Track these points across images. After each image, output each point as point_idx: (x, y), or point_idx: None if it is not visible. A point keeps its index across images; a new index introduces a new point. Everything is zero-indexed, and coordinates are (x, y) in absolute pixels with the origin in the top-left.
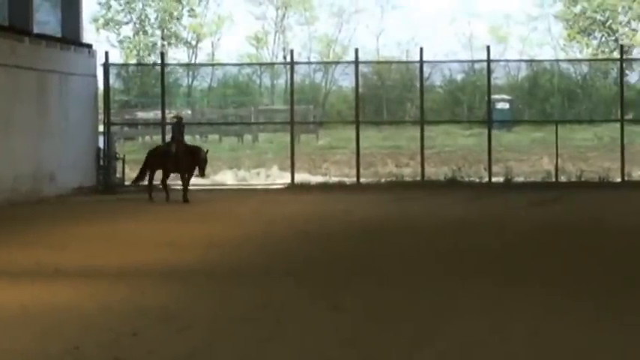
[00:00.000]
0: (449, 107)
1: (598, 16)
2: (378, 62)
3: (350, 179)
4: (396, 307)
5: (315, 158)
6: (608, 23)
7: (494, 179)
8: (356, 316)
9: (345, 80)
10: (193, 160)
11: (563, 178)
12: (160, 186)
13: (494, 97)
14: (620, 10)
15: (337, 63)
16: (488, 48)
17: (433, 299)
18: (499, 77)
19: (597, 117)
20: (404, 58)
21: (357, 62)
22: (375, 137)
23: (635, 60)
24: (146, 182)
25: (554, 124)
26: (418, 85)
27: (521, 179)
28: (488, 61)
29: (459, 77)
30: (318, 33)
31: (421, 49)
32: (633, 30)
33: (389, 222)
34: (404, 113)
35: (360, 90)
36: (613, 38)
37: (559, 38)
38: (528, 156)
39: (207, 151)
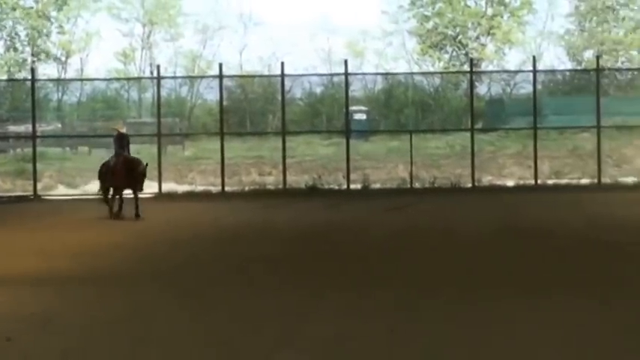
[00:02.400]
0: (309, 118)
1: (449, 32)
2: (242, 76)
3: (215, 188)
4: (261, 308)
5: (181, 168)
6: (458, 38)
7: (352, 186)
8: (223, 318)
9: (210, 94)
10: (132, 174)
11: (417, 185)
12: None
13: (352, 108)
14: (469, 25)
15: (202, 77)
16: (345, 62)
17: (296, 301)
18: (356, 90)
19: (449, 126)
20: (266, 73)
21: (221, 76)
22: (239, 148)
23: (484, 73)
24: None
25: (409, 134)
26: (280, 97)
27: (378, 186)
28: (346, 74)
29: (319, 90)
30: (184, 49)
31: (282, 64)
32: (482, 44)
33: (253, 228)
34: (266, 125)
35: (225, 103)
36: (463, 52)
37: (413, 52)
38: (384, 164)
39: (146, 164)
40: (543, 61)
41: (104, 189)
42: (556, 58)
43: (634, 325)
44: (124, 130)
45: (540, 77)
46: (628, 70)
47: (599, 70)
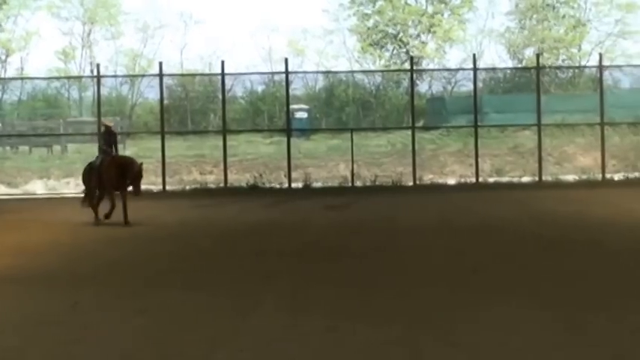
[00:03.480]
0: (250, 117)
1: (390, 30)
2: (182, 75)
3: (156, 187)
4: (199, 307)
5: None
6: (399, 36)
7: (293, 185)
8: (161, 318)
9: (150, 92)
10: (122, 174)
11: (358, 183)
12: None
13: (293, 107)
14: (410, 23)
15: (143, 76)
16: (286, 60)
17: (234, 299)
18: (297, 88)
19: (390, 125)
20: (207, 71)
21: (161, 75)
22: (179, 146)
23: (425, 71)
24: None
25: (350, 132)
26: (221, 96)
27: (319, 184)
28: (287, 72)
29: (260, 88)
30: (124, 47)
31: (222, 62)
32: (423, 42)
33: (192, 226)
34: (207, 123)
35: (165, 102)
36: (404, 50)
37: (353, 51)
38: (326, 162)
39: (141, 163)
40: (484, 59)
41: (90, 190)
42: (497, 56)
43: (573, 323)
44: (112, 125)
45: (481, 75)
46: (568, 67)
47: (539, 68)
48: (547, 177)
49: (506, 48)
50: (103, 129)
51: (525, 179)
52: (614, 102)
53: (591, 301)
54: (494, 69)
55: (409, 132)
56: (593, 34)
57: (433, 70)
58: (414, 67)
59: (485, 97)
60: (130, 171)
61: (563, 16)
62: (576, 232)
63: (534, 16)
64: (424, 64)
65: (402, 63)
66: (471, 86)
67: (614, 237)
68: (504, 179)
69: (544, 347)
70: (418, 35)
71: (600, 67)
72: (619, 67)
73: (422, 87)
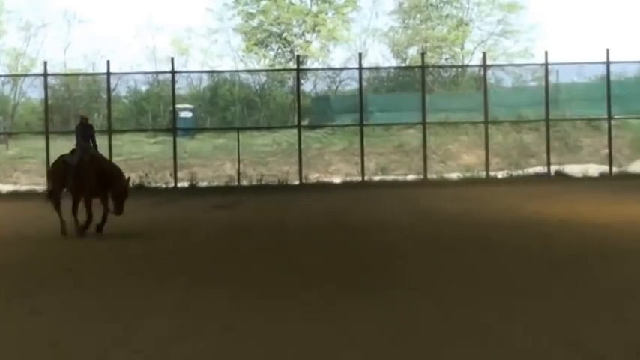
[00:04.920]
0: (134, 117)
1: (274, 29)
2: (66, 74)
3: (40, 187)
4: (92, 308)
5: (5, 168)
6: (283, 35)
7: (179, 184)
8: (54, 319)
9: (33, 92)
10: (103, 180)
11: (245, 182)
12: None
13: (178, 106)
14: (294, 23)
15: (25, 75)
16: (172, 60)
17: (127, 300)
18: (182, 87)
19: (275, 124)
20: (91, 71)
21: (45, 74)
22: (64, 147)
23: (310, 70)
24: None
25: (236, 131)
26: (105, 96)
27: (205, 184)
28: (172, 72)
29: (144, 88)
30: (6, 46)
31: (108, 62)
32: (307, 42)
33: None
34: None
35: (49, 101)
36: (288, 49)
37: (238, 50)
38: (211, 162)
39: (128, 178)
40: (368, 59)
41: (56, 191)
42: (381, 56)
43: (465, 321)
44: (87, 117)
45: (366, 74)
46: (452, 66)
47: (424, 67)
48: (432, 175)
49: (390, 47)
50: (77, 122)
51: (410, 177)
52: (497, 101)
53: (482, 299)
54: (378, 68)
55: (295, 131)
56: (475, 33)
57: (318, 69)
58: (300, 67)
59: (370, 96)
60: (115, 185)
61: (447, 16)
62: (464, 229)
63: (418, 15)
64: (309, 64)
65: (287, 62)
66: (355, 85)
67: (501, 234)
68: (390, 178)
69: (438, 346)
70: (302, 34)
71: (484, 67)
72: (501, 66)
73: (306, 86)
